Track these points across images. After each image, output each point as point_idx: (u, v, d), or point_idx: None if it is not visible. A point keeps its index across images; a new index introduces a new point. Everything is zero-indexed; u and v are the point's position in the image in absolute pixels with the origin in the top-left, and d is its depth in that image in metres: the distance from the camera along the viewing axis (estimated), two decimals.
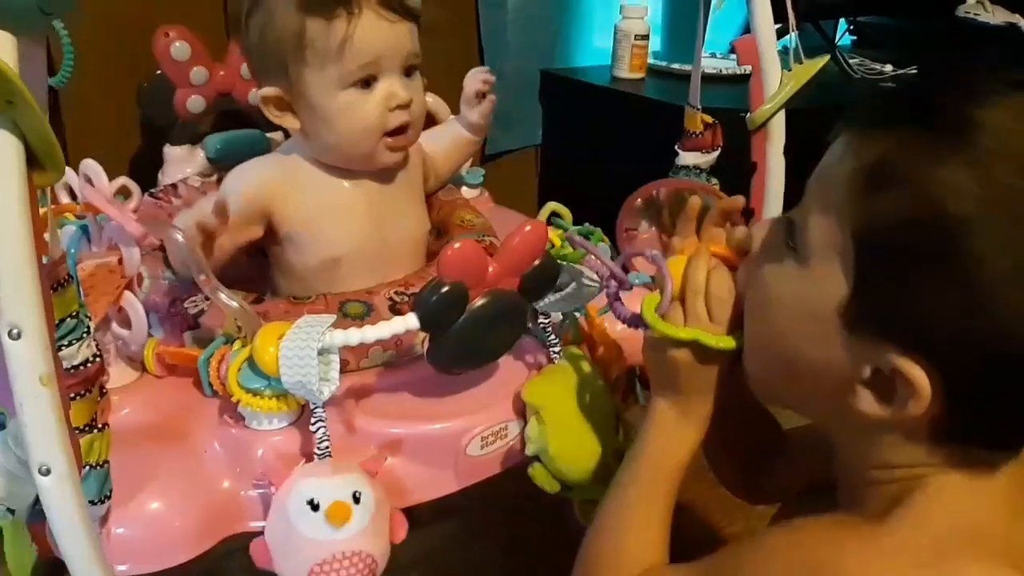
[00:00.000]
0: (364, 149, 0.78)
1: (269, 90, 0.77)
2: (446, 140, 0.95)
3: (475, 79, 0.93)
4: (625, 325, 0.66)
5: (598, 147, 1.55)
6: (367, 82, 0.75)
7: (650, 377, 0.66)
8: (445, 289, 0.59)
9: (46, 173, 0.44)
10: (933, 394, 0.47)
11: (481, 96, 0.93)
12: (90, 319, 0.58)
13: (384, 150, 0.78)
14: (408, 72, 0.78)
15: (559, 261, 0.69)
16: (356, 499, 0.57)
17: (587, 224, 0.91)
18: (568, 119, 1.63)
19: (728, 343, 0.59)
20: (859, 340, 0.50)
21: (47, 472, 0.47)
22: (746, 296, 0.59)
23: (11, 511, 0.63)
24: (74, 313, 0.56)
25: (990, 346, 0.46)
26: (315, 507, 0.57)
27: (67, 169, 0.66)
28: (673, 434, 0.63)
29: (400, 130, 0.78)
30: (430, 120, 1.04)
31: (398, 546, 1.07)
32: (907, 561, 0.48)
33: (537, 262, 0.64)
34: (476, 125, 0.95)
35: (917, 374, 0.47)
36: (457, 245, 0.60)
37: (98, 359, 0.60)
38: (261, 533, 0.60)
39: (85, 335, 0.58)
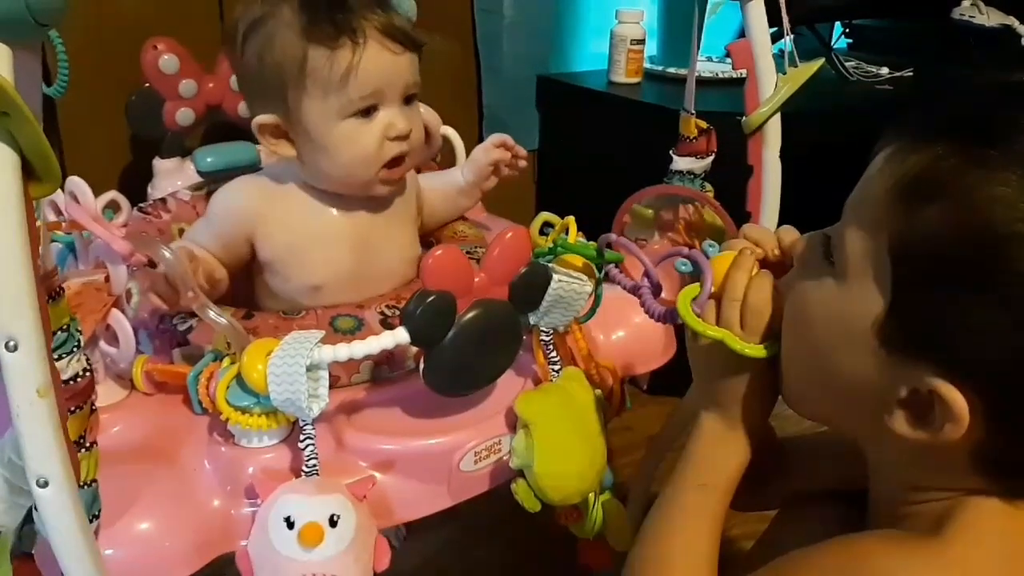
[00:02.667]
0: (361, 179, 0.77)
1: (266, 118, 0.75)
2: (442, 187, 0.94)
3: (498, 152, 0.91)
4: (656, 320, 0.66)
5: (595, 152, 1.55)
6: (367, 111, 0.74)
7: (695, 389, 0.66)
8: (431, 299, 0.58)
9: (42, 184, 0.43)
10: (973, 419, 0.45)
11: (495, 171, 0.92)
12: (80, 333, 0.58)
13: (379, 182, 0.77)
14: (407, 100, 0.77)
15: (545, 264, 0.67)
16: (333, 523, 0.56)
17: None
18: (565, 124, 1.63)
19: (756, 351, 0.59)
20: (896, 359, 0.48)
21: (45, 484, 0.47)
22: (784, 311, 0.58)
23: None
24: (65, 327, 0.55)
25: None
26: (290, 525, 0.56)
27: None
28: (721, 450, 0.63)
29: (397, 160, 0.77)
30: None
31: (399, 551, 1.08)
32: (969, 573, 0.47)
33: (524, 269, 0.63)
34: (471, 189, 0.93)
35: (955, 397, 0.45)
36: (439, 252, 0.60)
37: (88, 373, 0.59)
38: None
39: (75, 349, 0.57)
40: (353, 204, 0.79)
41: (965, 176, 0.45)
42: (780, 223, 0.81)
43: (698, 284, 0.63)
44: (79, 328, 0.58)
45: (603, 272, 0.74)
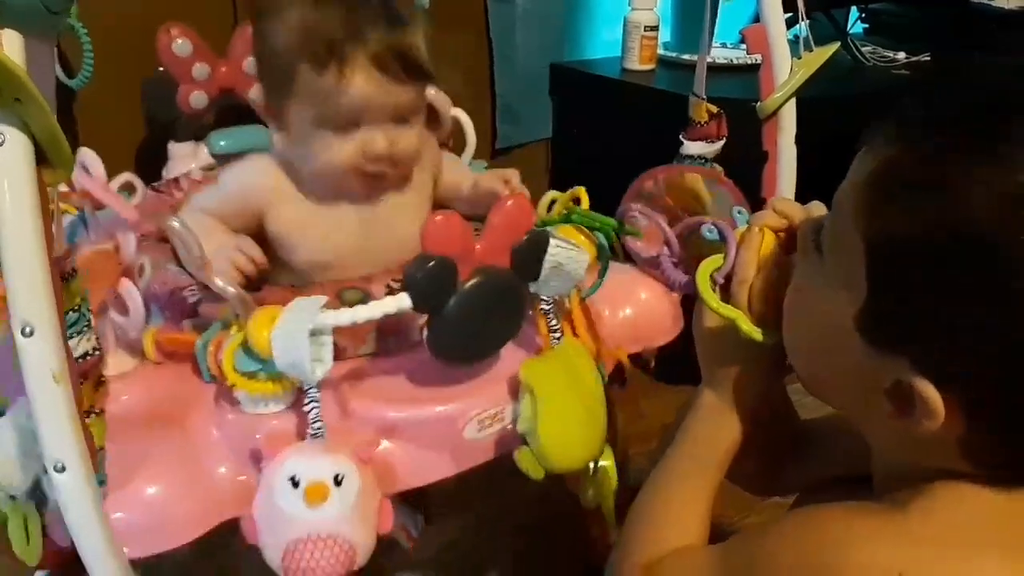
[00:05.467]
0: (336, 184, 0.78)
1: (258, 97, 0.79)
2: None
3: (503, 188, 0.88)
4: (676, 291, 0.66)
5: (609, 139, 1.54)
6: (346, 128, 0.75)
7: (700, 362, 0.66)
8: (431, 263, 0.59)
9: (55, 170, 0.45)
10: (951, 413, 0.45)
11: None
12: (91, 312, 0.59)
13: (360, 185, 0.78)
14: (399, 121, 0.76)
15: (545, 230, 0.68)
16: (337, 482, 0.57)
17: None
18: (578, 112, 1.63)
19: (763, 336, 0.59)
20: (877, 352, 0.49)
21: (62, 469, 0.48)
22: (786, 295, 0.58)
23: (12, 497, 0.64)
24: (76, 307, 0.56)
25: (1012, 371, 0.43)
26: (295, 484, 0.57)
27: None
28: (716, 425, 0.64)
29: (378, 175, 0.78)
30: (431, 112, 1.05)
31: (415, 541, 1.08)
32: (925, 547, 0.47)
33: (525, 237, 0.64)
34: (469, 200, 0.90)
35: (930, 393, 0.45)
36: (439, 218, 0.60)
37: (97, 352, 0.61)
38: None
39: (86, 328, 0.59)
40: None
41: (938, 172, 0.44)
42: None
43: (720, 256, 0.63)
44: (90, 308, 0.59)
45: (610, 246, 0.74)
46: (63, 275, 0.51)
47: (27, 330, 0.44)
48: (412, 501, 0.75)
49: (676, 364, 0.86)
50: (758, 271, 0.61)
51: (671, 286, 0.67)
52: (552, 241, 0.65)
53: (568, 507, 0.79)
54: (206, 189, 0.85)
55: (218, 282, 0.62)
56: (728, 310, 0.59)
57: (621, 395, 0.78)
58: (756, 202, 0.88)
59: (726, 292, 0.62)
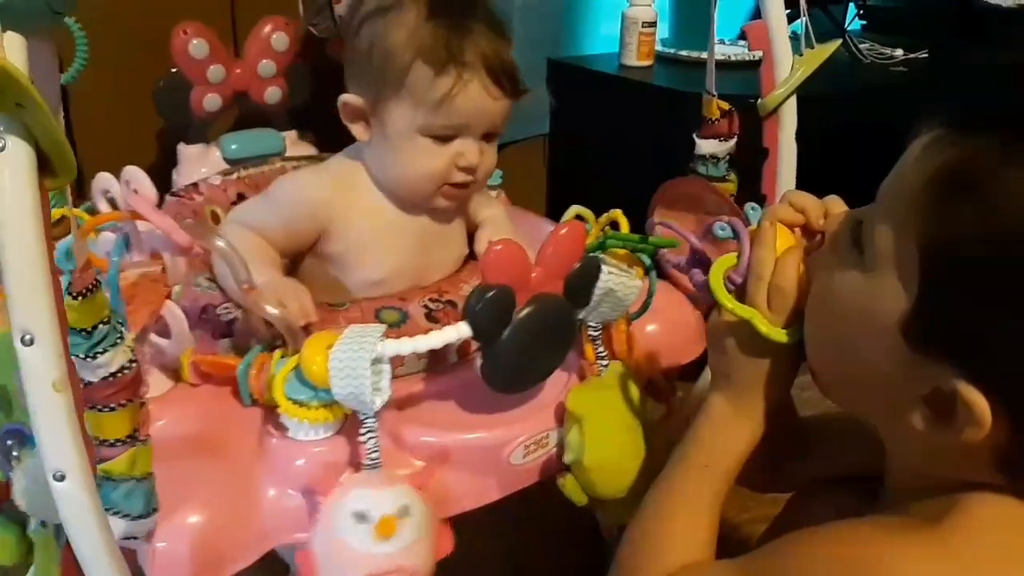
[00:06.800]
0: (421, 192, 0.78)
1: (352, 98, 0.77)
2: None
3: None
4: (696, 290, 0.67)
5: (606, 136, 1.54)
6: (446, 138, 0.75)
7: (710, 365, 0.64)
8: (491, 293, 0.58)
9: (57, 177, 0.43)
10: (996, 424, 0.44)
11: None
12: (123, 325, 0.57)
13: (440, 197, 0.78)
14: (488, 138, 0.78)
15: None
16: (403, 513, 0.57)
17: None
18: (576, 108, 1.62)
19: (782, 336, 0.56)
20: (919, 357, 0.47)
21: (62, 478, 0.47)
22: (810, 293, 0.56)
23: (44, 524, 0.62)
24: (105, 319, 0.54)
25: None
26: (363, 519, 0.56)
27: (108, 176, 0.65)
28: (726, 431, 0.61)
29: (460, 185, 0.78)
30: None
31: None
32: (961, 566, 0.46)
33: (578, 264, 0.64)
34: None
35: (977, 400, 0.44)
36: (499, 247, 0.59)
37: (134, 364, 0.58)
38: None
39: (119, 341, 0.56)
40: (415, 205, 0.80)
41: (1004, 174, 0.43)
42: None
43: (734, 254, 0.61)
44: (122, 320, 0.57)
45: (652, 262, 0.74)
46: (86, 288, 0.50)
47: (27, 338, 0.43)
48: None
49: None
50: (775, 270, 0.58)
51: (697, 289, 0.66)
52: (604, 268, 0.65)
53: (567, 506, 0.78)
54: (251, 203, 0.82)
55: (268, 309, 0.61)
56: (744, 310, 0.57)
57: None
58: (756, 199, 0.89)
59: (742, 292, 0.60)
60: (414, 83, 0.72)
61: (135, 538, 0.54)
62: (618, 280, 0.65)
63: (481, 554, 1.09)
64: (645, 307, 0.76)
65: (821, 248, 0.58)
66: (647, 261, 0.77)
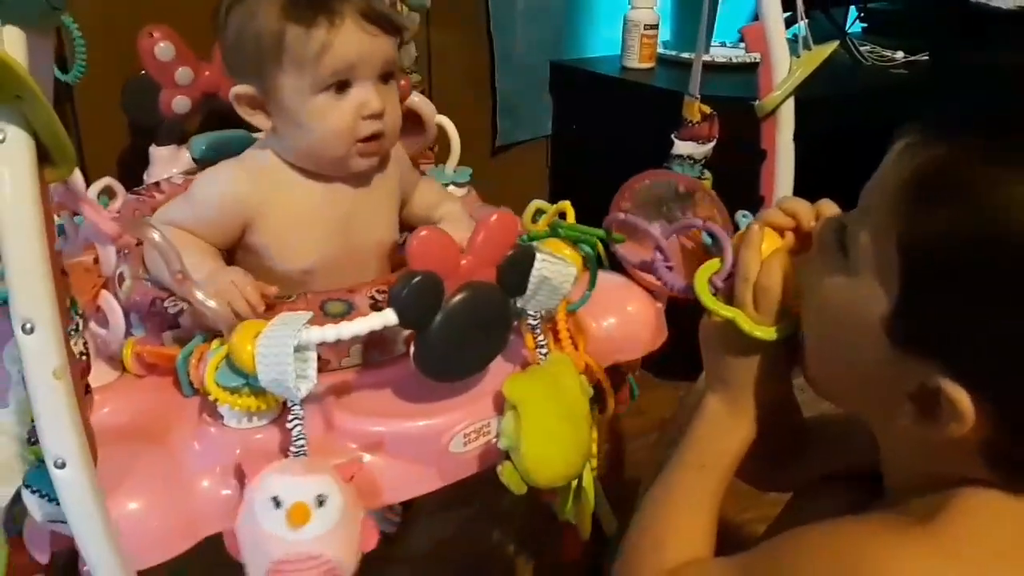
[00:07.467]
0: (336, 153, 0.77)
1: (242, 88, 0.78)
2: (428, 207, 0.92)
3: None
4: (676, 293, 0.67)
5: (608, 137, 1.55)
6: (340, 88, 0.75)
7: (705, 368, 0.66)
8: (417, 279, 0.58)
9: (57, 168, 0.44)
10: (980, 419, 0.45)
11: None
12: (80, 316, 0.58)
13: (356, 156, 0.78)
14: (384, 79, 0.78)
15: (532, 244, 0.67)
16: (320, 502, 0.57)
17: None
18: (578, 110, 1.64)
19: (766, 333, 0.58)
20: (904, 355, 0.48)
21: (62, 465, 0.48)
22: (804, 295, 0.58)
23: None
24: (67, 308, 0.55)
25: None
26: (277, 504, 0.56)
27: None
28: (721, 431, 0.63)
29: (372, 137, 0.78)
30: (415, 118, 1.04)
31: (412, 535, 1.07)
32: (953, 562, 0.46)
33: (510, 252, 0.64)
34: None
35: (960, 397, 0.45)
36: (423, 233, 0.60)
37: (85, 356, 0.60)
38: None
39: (73, 332, 0.57)
40: (334, 183, 0.80)
41: (980, 175, 0.44)
42: None
43: (718, 259, 0.63)
44: (80, 311, 0.58)
45: (598, 257, 0.74)
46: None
47: (27, 326, 0.44)
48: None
49: (673, 360, 0.87)
50: (760, 270, 0.60)
51: (669, 289, 0.67)
52: (538, 255, 0.65)
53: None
54: (174, 203, 0.82)
55: (199, 295, 0.62)
56: (727, 310, 0.59)
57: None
58: (754, 201, 0.89)
59: (728, 295, 0.62)
60: (291, 46, 0.73)
61: (62, 521, 0.55)
62: (553, 268, 0.65)
63: (482, 553, 1.10)
64: (584, 299, 0.75)
65: (813, 249, 0.59)
66: (588, 252, 0.77)
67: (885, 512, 0.53)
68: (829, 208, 0.60)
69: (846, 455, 0.67)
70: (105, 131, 1.12)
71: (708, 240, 0.67)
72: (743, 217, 0.83)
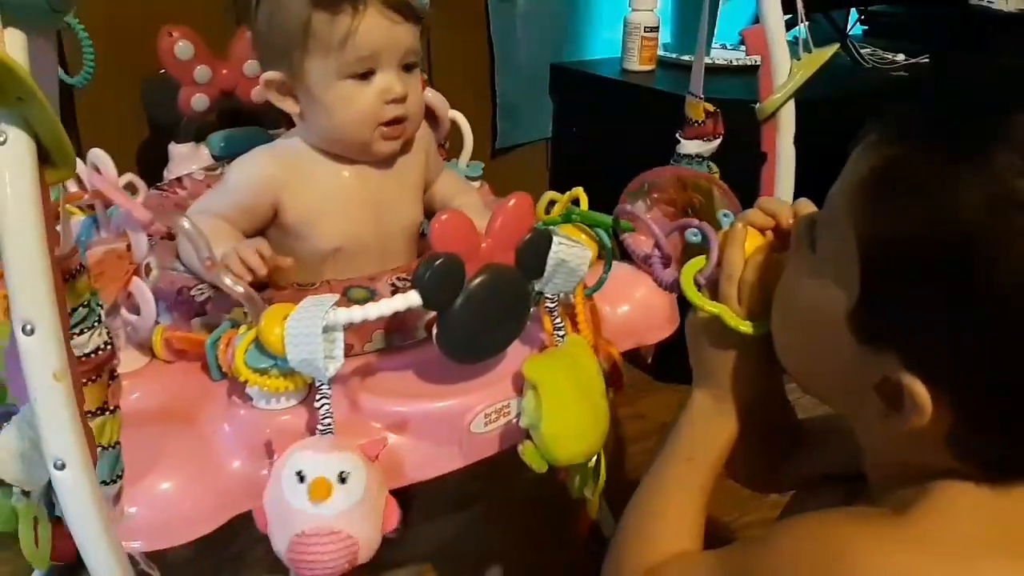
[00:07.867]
0: (360, 138, 0.81)
1: (272, 74, 0.81)
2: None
3: None
4: (665, 290, 0.68)
5: (608, 140, 1.56)
6: (365, 75, 0.79)
7: (692, 363, 0.67)
8: (440, 261, 0.60)
9: (57, 170, 0.44)
10: (940, 410, 0.46)
11: None
12: (101, 307, 0.60)
13: (380, 139, 0.81)
14: (407, 68, 0.81)
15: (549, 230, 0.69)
16: (343, 479, 0.58)
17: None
18: (579, 113, 1.65)
19: (749, 328, 0.60)
20: (867, 348, 0.49)
21: (62, 466, 0.49)
22: (775, 290, 0.59)
23: (26, 494, 0.64)
24: (85, 302, 0.57)
25: (997, 369, 0.44)
26: (301, 479, 0.58)
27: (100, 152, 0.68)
28: (707, 425, 0.64)
29: (395, 121, 0.81)
30: (429, 113, 1.06)
31: (414, 537, 1.08)
32: (929, 553, 0.47)
33: (528, 235, 0.65)
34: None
35: (918, 390, 0.46)
36: (445, 216, 0.61)
37: (109, 346, 0.61)
38: None
39: (96, 324, 0.59)
40: (360, 165, 0.84)
41: (934, 174, 0.45)
42: None
43: (704, 256, 0.65)
44: (100, 302, 0.60)
45: (612, 244, 0.75)
46: (69, 273, 0.52)
47: (28, 328, 0.44)
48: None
49: (675, 363, 0.88)
50: (745, 267, 0.62)
51: (661, 285, 0.69)
52: (555, 239, 0.66)
53: (567, 504, 0.80)
54: (209, 193, 0.86)
55: (227, 281, 0.64)
56: (712, 306, 0.61)
57: (620, 395, 0.79)
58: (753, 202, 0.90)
59: (713, 293, 0.64)
60: (317, 32, 0.76)
61: None
62: (569, 251, 0.67)
63: (484, 552, 1.11)
64: (601, 282, 0.77)
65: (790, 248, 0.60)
66: (604, 237, 0.78)
67: (864, 505, 0.54)
68: (806, 207, 0.62)
69: (844, 456, 0.67)
70: (124, 129, 1.14)
71: (693, 239, 0.68)
72: (724, 217, 0.85)
